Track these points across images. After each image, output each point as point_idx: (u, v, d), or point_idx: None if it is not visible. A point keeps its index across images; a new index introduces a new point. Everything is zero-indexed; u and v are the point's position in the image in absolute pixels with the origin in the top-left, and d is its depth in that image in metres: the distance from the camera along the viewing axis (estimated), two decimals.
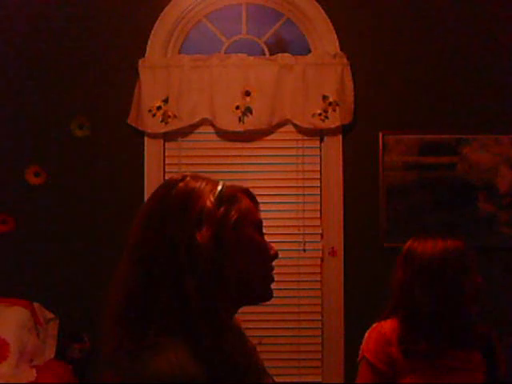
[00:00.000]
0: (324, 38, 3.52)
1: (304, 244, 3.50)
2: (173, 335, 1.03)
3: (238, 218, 1.12)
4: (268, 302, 1.24)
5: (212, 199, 1.11)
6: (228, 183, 1.18)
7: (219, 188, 1.14)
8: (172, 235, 1.08)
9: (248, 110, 3.44)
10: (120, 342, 1.13)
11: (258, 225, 1.20)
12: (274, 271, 1.24)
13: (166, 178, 3.52)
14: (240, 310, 1.27)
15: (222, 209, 1.11)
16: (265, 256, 1.19)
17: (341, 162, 3.50)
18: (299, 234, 3.52)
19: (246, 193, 1.20)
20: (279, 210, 3.52)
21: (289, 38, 3.73)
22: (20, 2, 3.55)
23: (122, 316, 1.13)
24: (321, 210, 3.53)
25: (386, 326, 2.04)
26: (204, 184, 1.14)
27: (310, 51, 3.55)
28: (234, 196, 1.15)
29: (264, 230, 1.26)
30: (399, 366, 1.96)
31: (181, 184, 1.14)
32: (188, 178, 1.15)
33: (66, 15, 3.54)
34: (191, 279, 1.04)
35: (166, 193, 1.14)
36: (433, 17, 3.54)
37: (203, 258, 1.06)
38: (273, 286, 1.21)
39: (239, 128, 3.45)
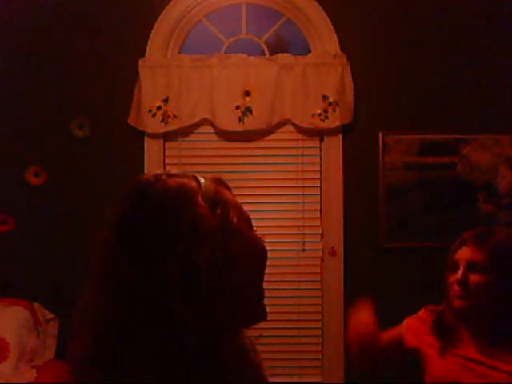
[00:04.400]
0: (324, 38, 3.52)
1: (304, 244, 3.51)
2: None
3: (237, 220, 0.91)
4: (267, 302, 1.11)
5: (202, 202, 0.88)
6: (202, 175, 0.95)
7: (203, 185, 0.91)
8: (160, 257, 0.82)
9: (248, 110, 3.44)
10: None
11: (250, 220, 0.98)
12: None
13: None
14: None
15: (218, 212, 0.88)
16: (263, 255, 1.04)
17: (341, 162, 3.50)
18: (299, 234, 3.52)
19: (221, 182, 0.97)
20: (279, 210, 3.53)
21: (289, 38, 3.73)
22: (20, 3, 3.55)
23: (87, 365, 0.86)
24: (321, 210, 3.53)
25: None
26: (185, 181, 0.90)
27: (310, 51, 3.55)
28: (219, 191, 0.93)
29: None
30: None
31: (158, 185, 0.90)
32: (164, 177, 0.91)
33: (66, 15, 3.54)
34: (189, 314, 0.81)
35: (142, 200, 0.89)
36: (433, 17, 3.54)
37: (206, 285, 0.82)
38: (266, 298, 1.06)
39: (239, 128, 3.45)
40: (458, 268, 1.87)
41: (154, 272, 0.81)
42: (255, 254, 0.99)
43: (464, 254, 1.88)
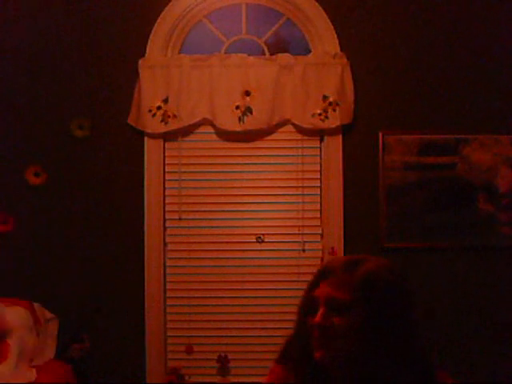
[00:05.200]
0: (324, 38, 3.52)
1: (304, 244, 3.50)
2: None
3: None
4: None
5: None
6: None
7: None
8: None
9: (248, 110, 3.44)
10: None
11: None
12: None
13: (166, 178, 3.52)
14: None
15: None
16: None
17: (341, 162, 3.50)
18: (299, 234, 3.51)
19: None
20: (279, 210, 3.53)
21: (289, 38, 3.73)
22: (20, 3, 3.54)
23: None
24: (321, 210, 3.53)
25: None
26: None
27: (310, 51, 3.55)
28: None
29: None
30: None
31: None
32: None
33: (66, 15, 3.53)
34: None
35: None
36: (433, 17, 3.54)
37: None
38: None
39: (239, 128, 3.45)
40: (316, 309, 1.42)
41: None
42: None
43: (324, 290, 1.42)
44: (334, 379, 1.41)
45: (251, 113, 3.44)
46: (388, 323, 1.36)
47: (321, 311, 1.40)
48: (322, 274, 1.45)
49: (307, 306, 1.45)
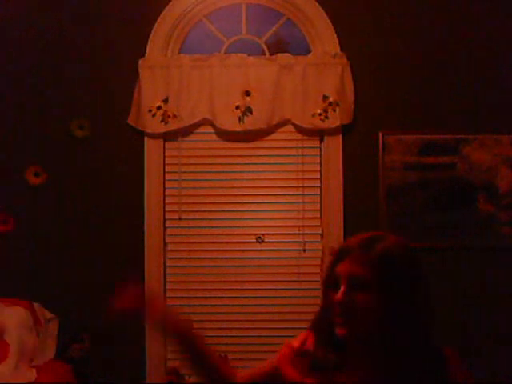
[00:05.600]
0: (324, 38, 3.52)
1: (304, 244, 3.50)
2: None
3: None
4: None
5: None
6: None
7: None
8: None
9: (248, 110, 3.44)
10: None
11: None
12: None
13: (166, 178, 3.52)
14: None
15: None
16: None
17: (341, 162, 3.50)
18: (299, 234, 3.52)
19: None
20: (279, 210, 3.53)
21: (289, 38, 3.73)
22: (20, 2, 3.54)
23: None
24: (321, 210, 3.53)
25: None
26: None
27: (310, 51, 3.55)
28: None
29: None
30: None
31: None
32: None
33: (66, 15, 3.54)
34: None
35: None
36: (433, 17, 3.54)
37: None
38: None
39: (239, 128, 3.45)
40: (339, 285, 1.46)
41: None
42: None
43: (345, 267, 1.47)
44: (354, 353, 1.48)
45: (251, 113, 3.44)
46: (405, 298, 1.42)
47: (342, 289, 1.44)
48: (343, 252, 1.53)
49: (330, 281, 1.51)
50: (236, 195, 3.54)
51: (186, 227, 3.55)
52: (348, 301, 1.43)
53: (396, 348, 1.43)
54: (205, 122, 3.50)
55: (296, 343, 1.63)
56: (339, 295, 1.44)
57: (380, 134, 3.49)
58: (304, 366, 1.56)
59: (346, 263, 1.49)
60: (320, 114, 3.43)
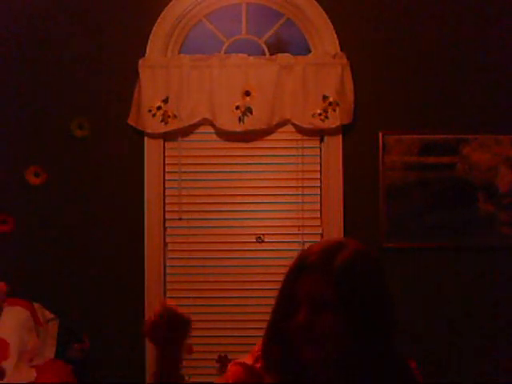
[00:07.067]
0: (324, 38, 3.52)
1: (304, 244, 3.50)
2: None
3: None
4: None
5: None
6: None
7: None
8: None
9: (248, 110, 3.44)
10: None
11: None
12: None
13: (166, 178, 3.52)
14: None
15: None
16: None
17: (341, 162, 3.50)
18: (299, 234, 3.52)
19: None
20: (279, 210, 3.53)
21: (289, 38, 3.73)
22: (20, 2, 3.54)
23: None
24: (321, 210, 3.53)
25: None
26: None
27: (310, 51, 3.55)
28: None
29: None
30: None
31: None
32: None
33: (65, 15, 3.54)
34: None
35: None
36: (433, 17, 3.54)
37: None
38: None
39: (239, 128, 3.45)
40: (298, 305, 1.30)
41: None
42: None
43: (305, 286, 1.30)
44: (321, 377, 1.32)
45: (251, 113, 3.44)
46: (372, 315, 1.28)
47: (304, 311, 1.28)
48: (300, 267, 1.34)
49: (286, 303, 1.35)
50: (236, 195, 3.54)
51: (186, 227, 3.54)
52: (311, 323, 1.26)
53: (364, 368, 1.27)
54: (205, 122, 3.50)
55: (249, 360, 1.40)
56: (301, 318, 1.27)
57: (380, 134, 3.49)
58: None
59: (304, 281, 1.31)
60: (320, 114, 3.43)
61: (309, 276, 1.30)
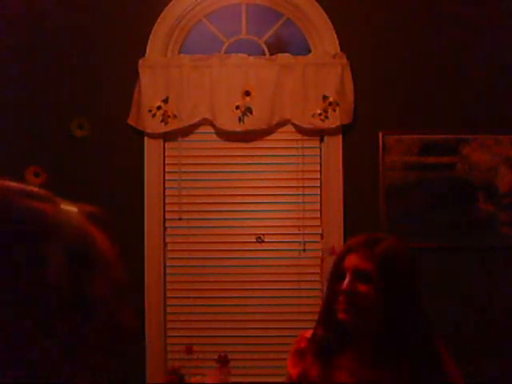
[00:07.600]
0: (324, 38, 3.52)
1: (304, 244, 3.50)
2: None
3: None
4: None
5: None
6: None
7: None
8: None
9: (248, 110, 3.44)
10: None
11: None
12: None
13: (166, 178, 3.53)
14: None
15: None
16: None
17: (341, 162, 3.50)
18: (299, 234, 3.52)
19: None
20: (279, 210, 3.53)
21: (289, 38, 3.73)
22: (20, 2, 3.55)
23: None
24: (321, 210, 3.53)
25: None
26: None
27: (310, 51, 3.55)
28: None
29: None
30: None
31: None
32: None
33: (65, 15, 3.54)
34: None
35: None
36: (433, 17, 3.54)
37: None
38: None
39: (239, 128, 3.45)
40: (344, 277, 1.65)
41: None
42: None
43: (352, 261, 1.66)
44: (354, 338, 1.66)
45: (251, 113, 3.44)
46: (403, 291, 1.63)
47: (348, 279, 1.63)
48: (348, 249, 1.71)
49: (336, 275, 1.68)
50: (236, 195, 3.54)
51: (186, 227, 3.55)
52: (352, 290, 1.61)
53: (393, 335, 1.61)
54: (205, 122, 3.50)
55: (308, 334, 1.80)
56: (345, 284, 1.62)
57: (380, 134, 3.49)
58: (308, 359, 1.72)
59: (352, 257, 1.66)
60: (320, 114, 3.43)
61: (354, 253, 1.67)
